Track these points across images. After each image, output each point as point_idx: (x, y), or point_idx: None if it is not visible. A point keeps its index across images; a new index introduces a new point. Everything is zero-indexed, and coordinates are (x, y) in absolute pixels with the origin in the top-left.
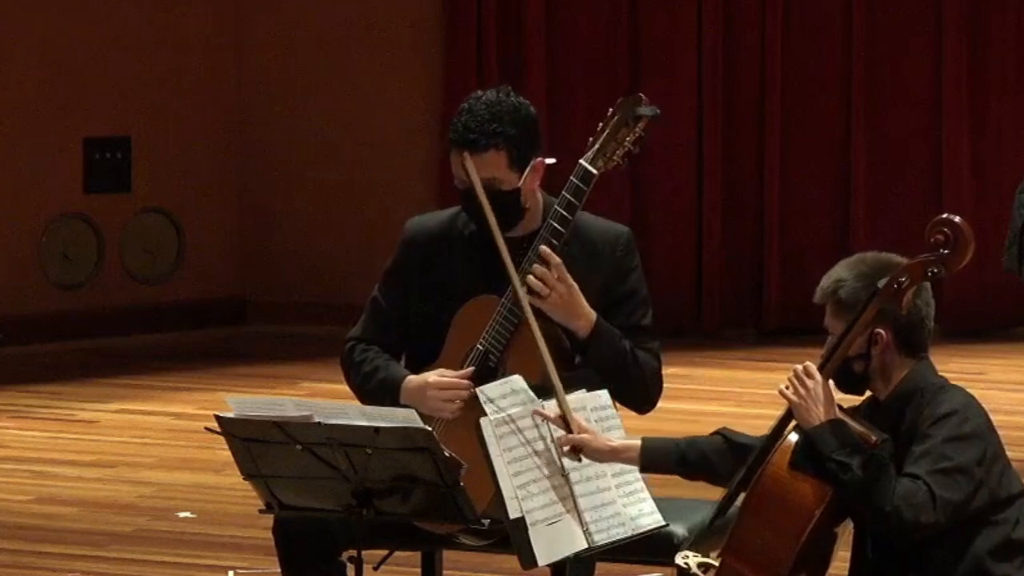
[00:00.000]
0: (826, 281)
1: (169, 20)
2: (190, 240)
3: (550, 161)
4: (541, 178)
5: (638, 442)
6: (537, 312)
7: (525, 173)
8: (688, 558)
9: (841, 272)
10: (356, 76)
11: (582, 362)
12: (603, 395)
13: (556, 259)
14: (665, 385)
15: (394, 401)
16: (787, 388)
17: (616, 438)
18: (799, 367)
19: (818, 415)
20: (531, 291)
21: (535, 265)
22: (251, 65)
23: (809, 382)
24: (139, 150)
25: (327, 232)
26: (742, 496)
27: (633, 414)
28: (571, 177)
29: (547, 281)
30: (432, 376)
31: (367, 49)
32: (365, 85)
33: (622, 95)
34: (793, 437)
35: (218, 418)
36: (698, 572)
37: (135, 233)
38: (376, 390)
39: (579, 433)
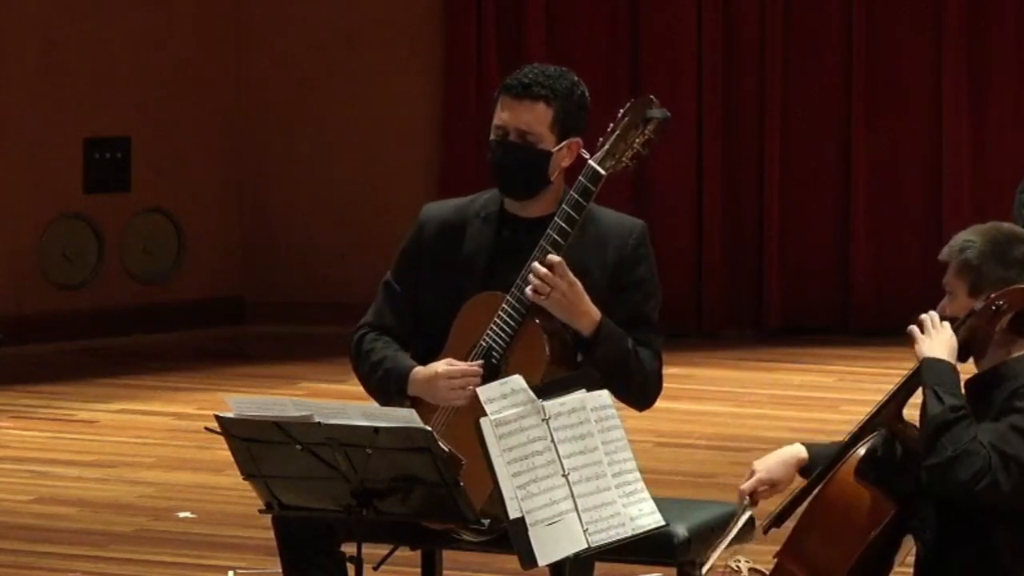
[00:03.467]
0: (955, 240)
1: (169, 20)
2: (190, 240)
3: (584, 153)
4: (571, 161)
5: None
6: (540, 310)
7: (562, 144)
8: (740, 562)
9: (972, 235)
10: (356, 76)
11: (584, 360)
12: (603, 395)
13: (556, 258)
14: (665, 385)
15: (400, 391)
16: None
17: (616, 438)
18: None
19: (935, 350)
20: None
21: (535, 264)
22: (250, 65)
23: (940, 324)
24: (139, 150)
25: (327, 232)
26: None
27: (633, 413)
28: (580, 177)
29: (548, 280)
30: (441, 366)
31: (367, 48)
32: (365, 85)
33: (623, 95)
34: (862, 450)
35: (218, 418)
36: None
37: (135, 233)
38: (382, 380)
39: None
